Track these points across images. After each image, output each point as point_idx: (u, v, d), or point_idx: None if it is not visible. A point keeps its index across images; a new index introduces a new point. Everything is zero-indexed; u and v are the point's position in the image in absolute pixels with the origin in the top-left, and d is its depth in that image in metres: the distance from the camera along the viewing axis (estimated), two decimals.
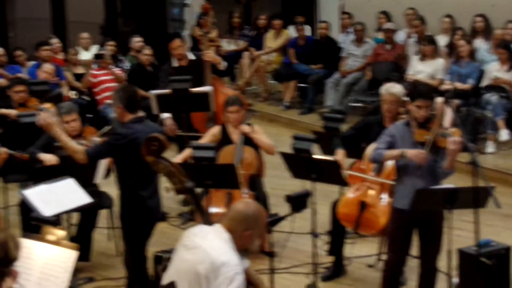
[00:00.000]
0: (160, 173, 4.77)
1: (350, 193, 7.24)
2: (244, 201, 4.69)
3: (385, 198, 7.01)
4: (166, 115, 9.35)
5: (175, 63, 9.71)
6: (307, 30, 14.28)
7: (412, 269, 7.02)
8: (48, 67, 11.37)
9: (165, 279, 4.64)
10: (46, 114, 6.51)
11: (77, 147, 6.41)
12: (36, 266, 5.23)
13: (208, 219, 4.85)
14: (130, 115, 6.31)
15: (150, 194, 6.37)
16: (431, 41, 11.81)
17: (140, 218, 6.35)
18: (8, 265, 4.53)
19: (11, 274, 4.27)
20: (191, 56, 9.74)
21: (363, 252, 7.87)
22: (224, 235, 4.52)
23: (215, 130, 8.29)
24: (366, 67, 13.03)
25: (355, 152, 7.39)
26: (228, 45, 14.73)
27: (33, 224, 5.79)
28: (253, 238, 4.61)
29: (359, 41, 13.22)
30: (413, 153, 6.12)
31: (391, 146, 6.32)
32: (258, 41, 14.65)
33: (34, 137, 8.08)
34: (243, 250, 4.64)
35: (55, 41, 13.09)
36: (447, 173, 6.24)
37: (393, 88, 7.31)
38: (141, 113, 6.45)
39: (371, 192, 7.10)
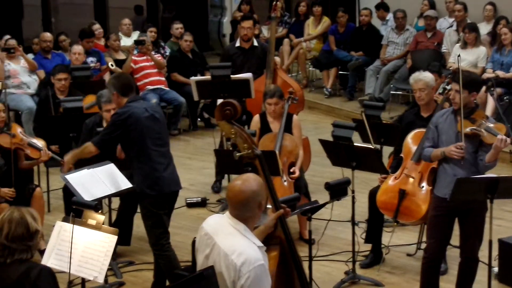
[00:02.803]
0: (231, 137, 4.79)
1: (390, 181, 7.21)
2: (232, 187, 4.48)
3: (425, 186, 6.98)
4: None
5: (238, 43, 10.01)
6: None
7: (453, 259, 7.00)
8: (76, 48, 11.43)
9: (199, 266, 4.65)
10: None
11: (83, 146, 6.73)
12: (77, 249, 5.30)
13: (272, 186, 4.85)
14: (125, 99, 6.56)
15: (164, 166, 6.52)
16: (473, 29, 11.67)
17: (157, 190, 6.47)
18: (33, 239, 4.61)
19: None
20: (255, 43, 10.04)
21: (402, 240, 7.84)
22: (238, 226, 4.44)
23: (255, 119, 8.32)
24: (406, 54, 12.94)
25: None
26: (268, 32, 14.70)
27: (75, 208, 5.84)
28: (265, 203, 4.55)
29: (399, 28, 13.13)
30: (451, 151, 6.10)
31: (435, 140, 6.30)
32: (298, 28, 14.61)
33: (76, 124, 8.18)
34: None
35: (97, 27, 13.17)
36: (489, 166, 6.20)
37: (420, 76, 7.30)
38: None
39: (411, 180, 7.07)
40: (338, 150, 7.16)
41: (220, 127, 4.96)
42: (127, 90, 6.60)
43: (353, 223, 7.06)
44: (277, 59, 9.83)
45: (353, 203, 7.00)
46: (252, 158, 4.79)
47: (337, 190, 6.42)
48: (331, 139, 7.41)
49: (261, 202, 4.47)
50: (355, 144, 7.14)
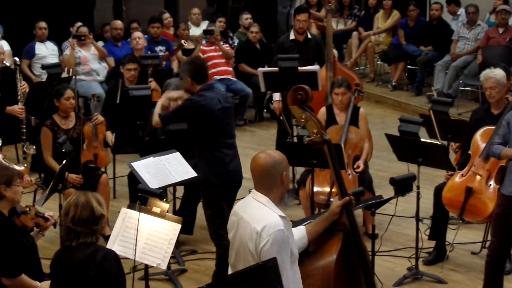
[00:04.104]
0: (302, 122, 4.83)
1: (457, 178, 7.12)
2: (255, 158, 4.60)
3: (492, 184, 6.88)
4: (277, 96, 9.50)
5: (292, 36, 9.95)
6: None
7: None
8: (136, 33, 11.52)
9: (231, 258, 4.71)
10: None
11: (157, 111, 6.80)
12: (141, 237, 5.36)
13: (340, 173, 4.86)
14: (199, 86, 6.54)
15: (230, 157, 6.56)
16: None
17: (221, 180, 6.50)
18: (98, 223, 4.68)
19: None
20: (309, 35, 10.01)
21: (467, 238, 7.75)
22: (261, 199, 4.53)
23: (321, 110, 8.29)
24: (477, 50, 12.74)
25: None
26: (337, 25, 14.65)
27: (140, 196, 5.90)
28: (287, 177, 4.61)
29: (471, 24, 12.93)
30: None
31: (506, 138, 6.20)
32: (367, 21, 14.52)
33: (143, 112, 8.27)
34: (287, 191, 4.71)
35: (166, 16, 13.25)
36: None
37: (490, 73, 7.17)
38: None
39: (478, 178, 6.97)
40: (405, 145, 7.11)
41: (292, 111, 5.01)
42: (201, 78, 6.59)
43: (417, 219, 7.00)
44: (334, 51, 9.76)
45: (418, 199, 6.94)
46: (321, 143, 4.83)
47: (402, 185, 6.37)
48: (397, 133, 7.35)
49: (283, 173, 4.53)
50: (421, 139, 7.07)
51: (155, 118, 6.72)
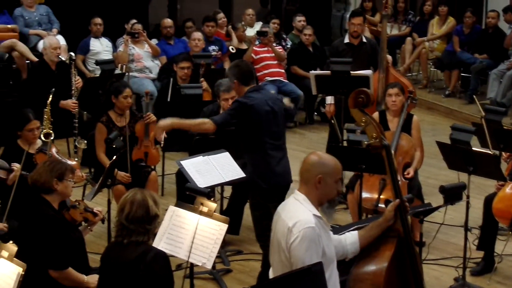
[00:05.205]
0: (361, 125, 4.86)
1: (508, 189, 7.03)
2: (311, 153, 4.76)
3: None
4: (329, 100, 9.47)
5: (346, 39, 9.93)
6: None
7: None
8: (196, 34, 11.56)
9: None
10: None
11: (201, 120, 6.72)
12: (187, 235, 5.37)
13: (396, 179, 4.85)
14: (246, 88, 6.55)
15: (277, 160, 6.53)
16: None
17: (268, 183, 6.48)
18: (152, 223, 4.70)
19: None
20: (364, 39, 9.97)
21: None
22: (299, 197, 4.63)
23: (374, 115, 8.24)
24: None
25: None
26: (391, 30, 14.56)
27: (188, 194, 5.92)
28: (329, 184, 4.64)
29: None
30: None
31: None
32: (422, 27, 14.40)
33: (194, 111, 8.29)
34: (330, 201, 4.70)
35: (221, 16, 13.29)
36: None
37: None
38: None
39: None
40: (456, 154, 7.03)
41: (352, 114, 5.02)
42: (247, 79, 6.60)
43: (466, 228, 6.92)
44: (389, 57, 9.71)
45: (467, 208, 6.86)
46: (380, 148, 4.84)
47: (452, 194, 6.31)
48: (448, 141, 7.28)
49: (322, 177, 4.60)
50: (473, 148, 7.00)
51: (207, 126, 6.55)
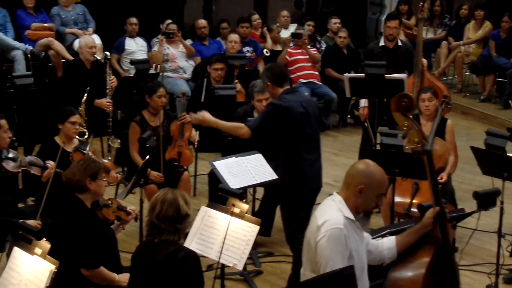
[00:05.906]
0: (404, 129, 4.85)
1: None
2: (362, 160, 4.80)
3: None
4: (363, 103, 9.45)
5: (382, 42, 9.95)
6: None
7: None
8: (233, 36, 11.56)
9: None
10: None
11: (237, 124, 6.74)
12: (219, 236, 5.38)
13: (436, 185, 4.83)
14: (281, 89, 6.55)
15: (309, 162, 6.53)
16: None
17: (298, 185, 6.49)
18: (182, 222, 4.72)
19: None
20: (399, 42, 9.97)
21: None
22: (336, 198, 4.64)
23: None
24: None
25: None
26: (426, 33, 14.48)
27: (220, 195, 5.93)
28: (370, 196, 4.63)
29: None
30: None
31: None
32: (457, 31, 14.31)
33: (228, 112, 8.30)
34: (366, 212, 4.70)
35: (256, 17, 13.30)
36: None
37: None
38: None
39: None
40: (490, 159, 6.98)
41: (394, 118, 5.00)
42: (281, 81, 6.61)
43: (500, 234, 6.86)
44: (424, 60, 9.66)
45: (501, 214, 6.80)
46: (421, 153, 4.82)
47: (486, 200, 6.26)
48: (483, 146, 7.22)
49: (363, 188, 4.58)
50: (508, 154, 6.94)
51: (243, 131, 6.53)
